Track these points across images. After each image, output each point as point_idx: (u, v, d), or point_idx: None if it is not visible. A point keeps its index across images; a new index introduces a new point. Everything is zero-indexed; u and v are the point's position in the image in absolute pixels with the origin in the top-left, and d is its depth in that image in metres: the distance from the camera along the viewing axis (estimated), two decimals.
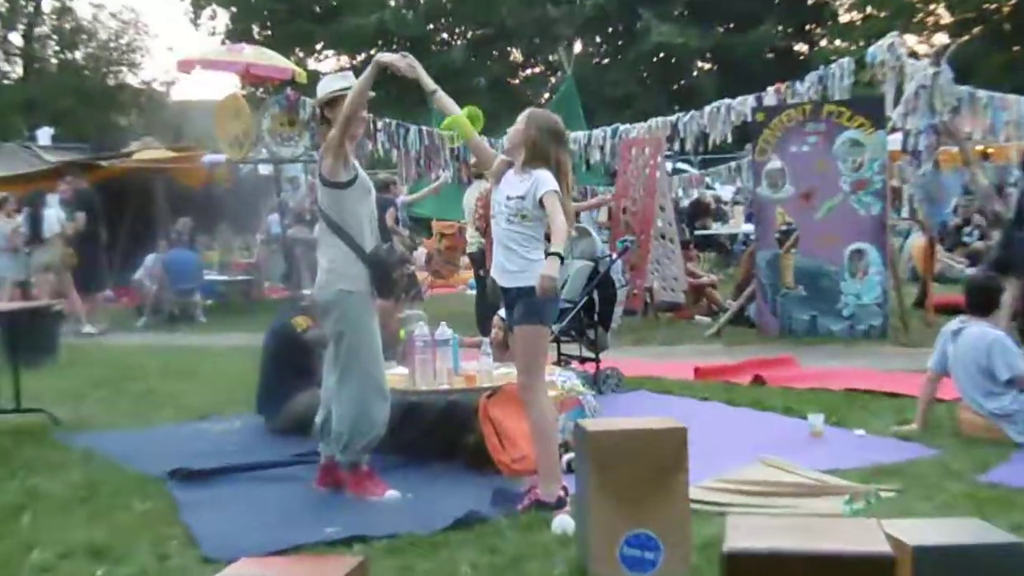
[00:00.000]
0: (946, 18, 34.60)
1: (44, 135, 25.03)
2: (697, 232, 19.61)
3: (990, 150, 18.19)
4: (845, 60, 12.68)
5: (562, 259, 5.25)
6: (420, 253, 18.62)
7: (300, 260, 15.48)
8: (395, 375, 7.04)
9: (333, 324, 5.81)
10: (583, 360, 9.21)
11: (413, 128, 14.63)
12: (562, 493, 5.33)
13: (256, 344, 8.03)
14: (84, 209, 14.73)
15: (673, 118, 14.01)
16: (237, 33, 37.86)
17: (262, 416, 7.76)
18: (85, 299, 14.66)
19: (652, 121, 14.25)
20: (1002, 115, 12.41)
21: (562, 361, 8.94)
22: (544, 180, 5.32)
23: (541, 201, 5.29)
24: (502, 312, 8.07)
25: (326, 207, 5.84)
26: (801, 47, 39.23)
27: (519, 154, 5.47)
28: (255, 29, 39.32)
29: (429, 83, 5.84)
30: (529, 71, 41.57)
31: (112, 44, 39.40)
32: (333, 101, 5.89)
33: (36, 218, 14.28)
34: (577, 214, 12.92)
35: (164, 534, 5.27)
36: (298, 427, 7.01)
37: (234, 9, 39.32)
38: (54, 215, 14.34)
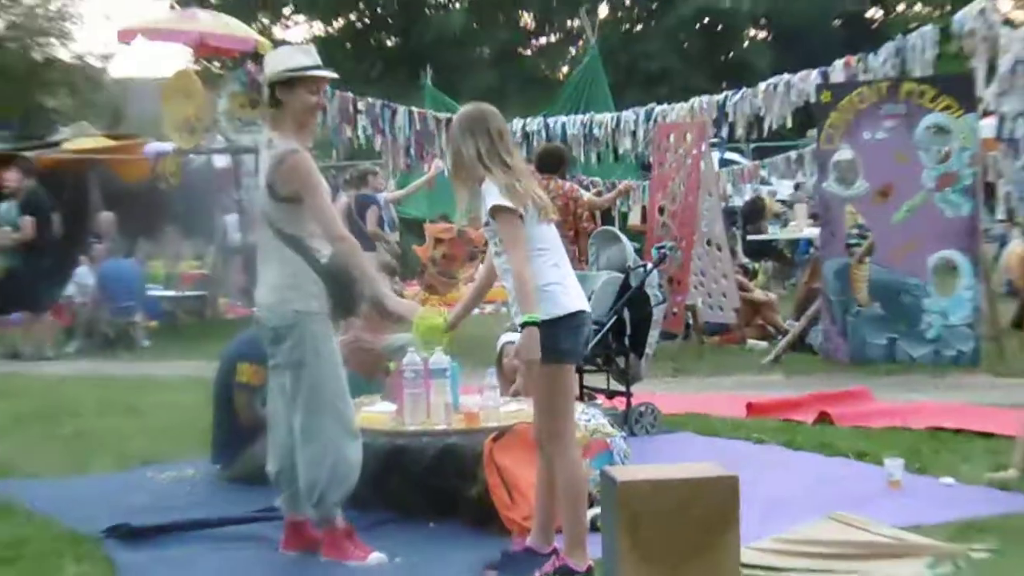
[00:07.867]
0: None
1: None
2: (750, 237, 19.63)
3: None
4: (928, 29, 12.67)
5: (536, 325, 5.09)
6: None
7: None
8: (378, 412, 7.03)
9: (289, 352, 5.77)
10: (611, 394, 9.22)
11: (402, 110, 14.59)
12: (591, 563, 5.26)
13: (211, 374, 8.03)
14: (33, 212, 14.75)
15: (720, 97, 14.02)
16: None
17: (217, 464, 7.77)
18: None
19: (695, 101, 14.25)
20: None
21: (586, 395, 8.93)
22: (489, 191, 5.28)
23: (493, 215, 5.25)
24: (511, 336, 8.10)
25: (276, 219, 5.78)
26: (874, 13, 39.27)
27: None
28: None
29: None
30: (544, 40, 41.62)
31: (39, 11, 39.54)
32: (293, 81, 5.78)
33: None
34: (605, 213, 12.93)
35: None
36: (261, 477, 6.99)
37: None
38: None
